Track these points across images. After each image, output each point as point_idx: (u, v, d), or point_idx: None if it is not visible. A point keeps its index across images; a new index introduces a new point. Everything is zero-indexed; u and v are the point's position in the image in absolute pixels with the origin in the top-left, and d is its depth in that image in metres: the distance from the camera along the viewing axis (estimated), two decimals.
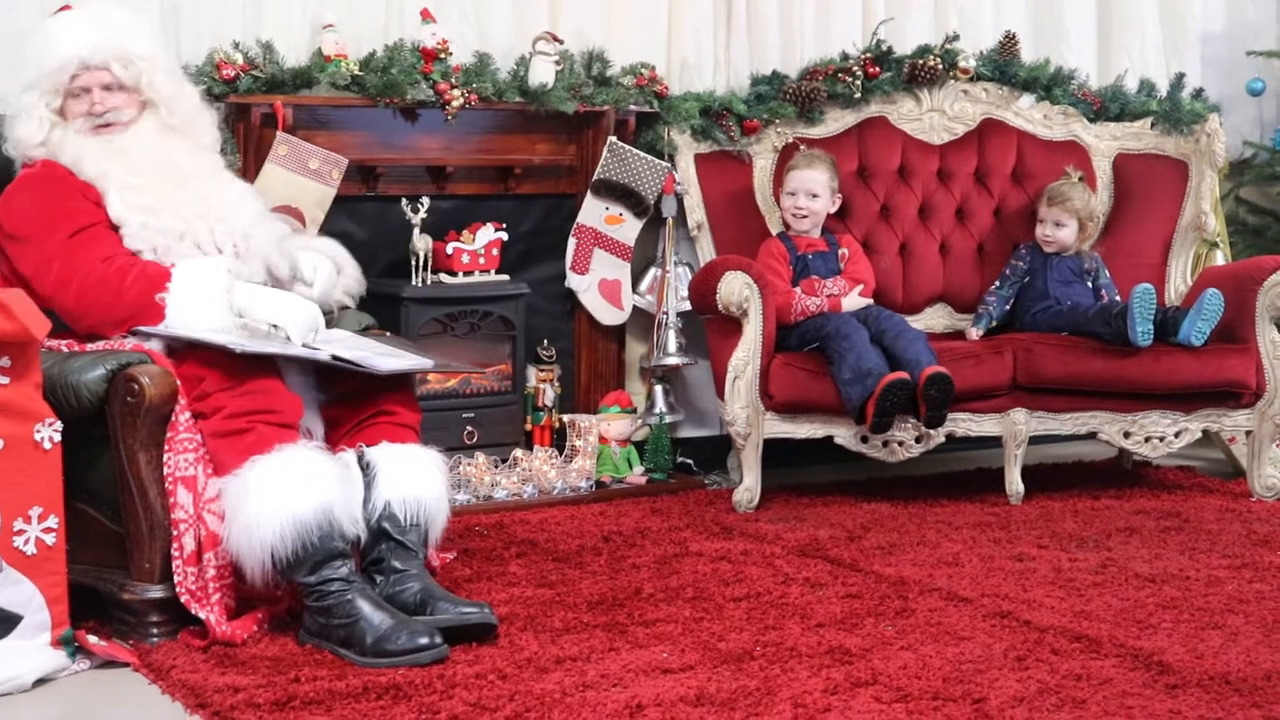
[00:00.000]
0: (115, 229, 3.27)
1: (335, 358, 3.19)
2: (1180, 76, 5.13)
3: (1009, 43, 4.99)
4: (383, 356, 3.30)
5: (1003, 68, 4.95)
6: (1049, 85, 4.98)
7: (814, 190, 4.48)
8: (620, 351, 4.76)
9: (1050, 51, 5.16)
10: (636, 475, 4.55)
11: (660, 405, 4.66)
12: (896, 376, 4.09)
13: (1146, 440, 4.42)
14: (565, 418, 4.54)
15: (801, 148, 4.66)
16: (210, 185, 3.40)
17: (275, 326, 3.23)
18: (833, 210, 4.57)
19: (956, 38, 4.93)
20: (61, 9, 3.51)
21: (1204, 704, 2.71)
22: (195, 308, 3.17)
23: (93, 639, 3.00)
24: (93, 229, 3.25)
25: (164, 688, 2.85)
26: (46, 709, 2.79)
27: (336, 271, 3.50)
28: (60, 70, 3.33)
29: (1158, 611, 3.26)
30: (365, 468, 3.22)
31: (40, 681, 2.86)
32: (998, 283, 4.68)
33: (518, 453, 4.38)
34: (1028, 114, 4.96)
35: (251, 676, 2.84)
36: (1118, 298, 4.59)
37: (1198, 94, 5.16)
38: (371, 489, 3.19)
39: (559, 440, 4.53)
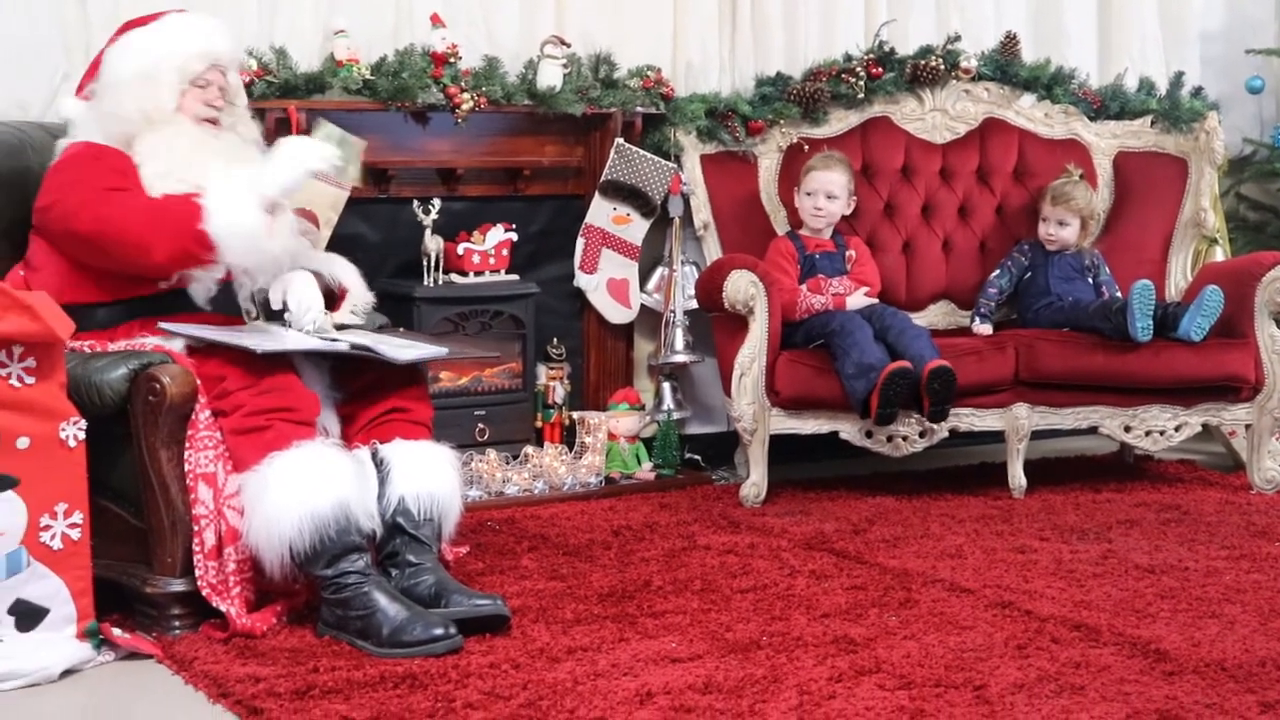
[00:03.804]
0: None
1: (354, 346, 3.25)
2: (1180, 75, 5.18)
3: (1010, 43, 5.04)
4: (399, 348, 3.37)
5: (1004, 68, 5.01)
6: (1050, 84, 5.04)
7: (832, 191, 4.53)
8: (628, 349, 4.82)
9: (1051, 51, 5.21)
10: (645, 471, 4.61)
11: (668, 402, 4.72)
12: (898, 365, 4.13)
13: (1147, 434, 4.47)
14: (575, 415, 4.60)
15: (810, 148, 4.71)
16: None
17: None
18: (848, 213, 4.62)
19: (958, 38, 4.99)
20: (171, 11, 3.51)
21: (1200, 689, 2.77)
22: (234, 208, 3.21)
23: (117, 631, 3.06)
24: (129, 190, 3.28)
25: (187, 678, 2.91)
26: (74, 699, 2.86)
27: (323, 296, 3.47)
28: (197, 58, 3.37)
29: (1156, 601, 3.32)
30: (379, 464, 3.27)
31: (67, 673, 2.93)
32: (998, 271, 4.74)
33: (528, 449, 4.44)
34: (1029, 113, 5.02)
35: (272, 667, 2.91)
36: (1118, 294, 4.64)
37: (1197, 92, 5.20)
38: (386, 484, 3.25)
39: (569, 437, 4.59)
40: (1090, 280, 4.69)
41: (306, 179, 3.35)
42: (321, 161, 3.37)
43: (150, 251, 3.21)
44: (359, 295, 3.58)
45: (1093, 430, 4.56)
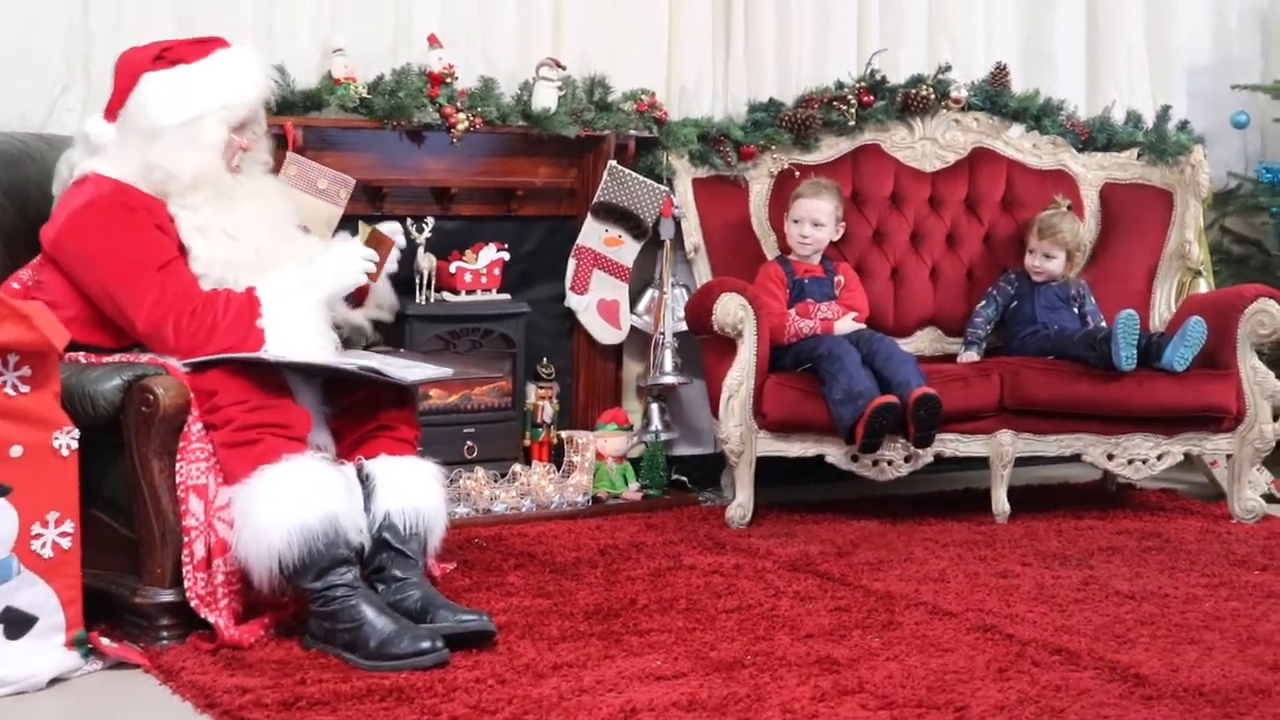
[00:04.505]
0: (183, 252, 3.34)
1: (362, 368, 3.28)
2: (1166, 109, 5.23)
3: (1000, 74, 5.10)
4: (404, 369, 3.40)
5: (993, 98, 5.07)
6: (1038, 115, 5.09)
7: (819, 219, 4.58)
8: (618, 370, 4.85)
9: (1040, 83, 5.26)
10: (632, 491, 4.63)
11: (656, 423, 4.74)
12: (885, 400, 4.18)
13: (1129, 463, 4.51)
14: (563, 434, 4.62)
15: (801, 174, 4.75)
16: (267, 234, 3.43)
17: None
18: (836, 239, 4.67)
19: (949, 68, 5.04)
20: (216, 41, 3.45)
21: (1177, 714, 2.80)
22: (292, 328, 3.25)
23: (105, 641, 3.08)
24: (176, 261, 3.30)
25: (174, 688, 2.93)
26: (60, 707, 2.87)
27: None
28: (242, 107, 3.37)
29: (1136, 627, 3.35)
30: (364, 479, 3.30)
31: (55, 681, 2.95)
32: (984, 301, 4.78)
33: (516, 468, 4.47)
34: (1017, 143, 5.08)
35: (259, 678, 2.93)
36: (1103, 323, 4.69)
37: (1183, 126, 5.26)
38: (371, 500, 3.28)
39: (557, 456, 4.61)
40: (1075, 310, 4.74)
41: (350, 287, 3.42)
42: (368, 265, 3.41)
43: (186, 357, 3.23)
44: (383, 295, 3.63)
45: (1076, 458, 4.60)
